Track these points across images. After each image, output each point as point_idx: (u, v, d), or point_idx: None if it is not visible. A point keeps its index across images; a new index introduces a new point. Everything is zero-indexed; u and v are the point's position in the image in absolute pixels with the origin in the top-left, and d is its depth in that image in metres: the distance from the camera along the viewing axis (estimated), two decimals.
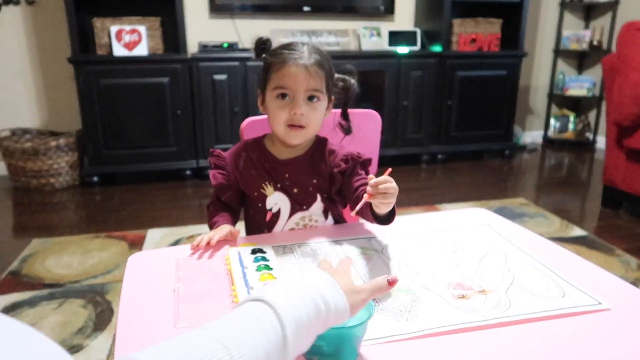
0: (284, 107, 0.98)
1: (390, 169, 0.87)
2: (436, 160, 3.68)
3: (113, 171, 3.16)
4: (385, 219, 0.93)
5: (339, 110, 1.11)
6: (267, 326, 0.50)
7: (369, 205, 0.91)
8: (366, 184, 0.96)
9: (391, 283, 0.63)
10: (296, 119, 0.97)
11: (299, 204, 1.06)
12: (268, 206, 1.06)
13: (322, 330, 0.56)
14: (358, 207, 0.86)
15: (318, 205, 1.08)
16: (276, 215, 1.06)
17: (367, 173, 1.05)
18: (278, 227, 1.07)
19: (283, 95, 0.98)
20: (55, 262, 2.07)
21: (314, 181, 1.06)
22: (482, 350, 0.65)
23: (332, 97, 1.05)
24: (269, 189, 1.05)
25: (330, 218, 1.11)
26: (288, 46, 0.99)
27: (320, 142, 1.08)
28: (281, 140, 1.04)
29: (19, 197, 2.94)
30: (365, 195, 0.85)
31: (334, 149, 1.07)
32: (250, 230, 1.12)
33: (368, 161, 1.05)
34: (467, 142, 3.71)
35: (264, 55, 1.03)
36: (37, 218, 2.61)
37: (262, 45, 1.03)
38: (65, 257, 2.10)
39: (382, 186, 0.83)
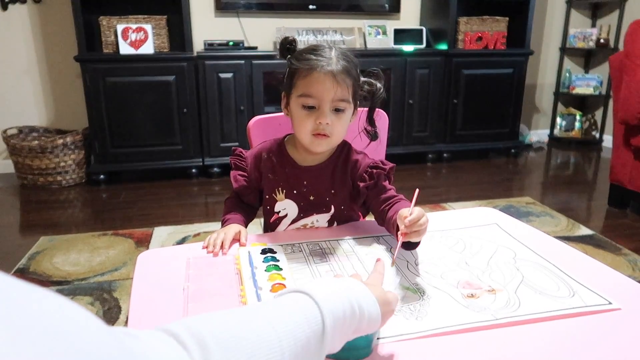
0: (309, 116, 0.95)
1: (418, 190, 0.84)
2: (442, 158, 3.67)
3: (119, 169, 3.17)
4: (412, 244, 0.89)
5: (364, 111, 1.08)
6: (309, 314, 0.51)
7: (396, 226, 0.86)
8: (391, 197, 0.99)
9: None
10: (321, 128, 0.95)
11: (313, 210, 1.05)
12: (276, 209, 1.07)
13: (353, 336, 0.57)
14: (395, 255, 0.80)
15: (328, 216, 1.07)
16: (281, 218, 1.07)
17: (390, 181, 1.04)
18: (280, 229, 1.08)
19: (310, 107, 0.95)
20: (63, 259, 2.08)
21: (332, 191, 1.05)
22: (491, 349, 0.65)
23: (358, 103, 1.02)
24: (279, 195, 1.05)
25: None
26: (315, 50, 0.96)
27: (343, 149, 1.06)
28: (305, 147, 1.02)
29: (26, 195, 2.96)
30: (400, 235, 0.81)
31: (357, 158, 1.06)
32: (265, 227, 1.13)
33: (391, 169, 1.04)
34: (473, 140, 3.70)
35: (289, 56, 1.00)
36: (44, 216, 2.63)
37: (287, 45, 1.00)
38: (72, 255, 2.12)
39: (418, 224, 0.79)
